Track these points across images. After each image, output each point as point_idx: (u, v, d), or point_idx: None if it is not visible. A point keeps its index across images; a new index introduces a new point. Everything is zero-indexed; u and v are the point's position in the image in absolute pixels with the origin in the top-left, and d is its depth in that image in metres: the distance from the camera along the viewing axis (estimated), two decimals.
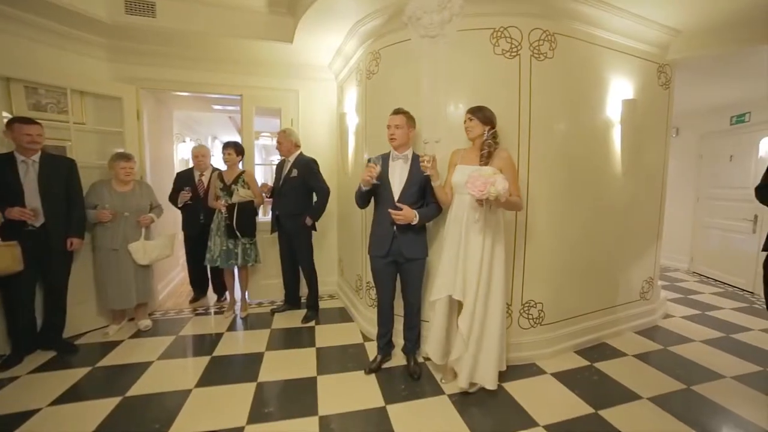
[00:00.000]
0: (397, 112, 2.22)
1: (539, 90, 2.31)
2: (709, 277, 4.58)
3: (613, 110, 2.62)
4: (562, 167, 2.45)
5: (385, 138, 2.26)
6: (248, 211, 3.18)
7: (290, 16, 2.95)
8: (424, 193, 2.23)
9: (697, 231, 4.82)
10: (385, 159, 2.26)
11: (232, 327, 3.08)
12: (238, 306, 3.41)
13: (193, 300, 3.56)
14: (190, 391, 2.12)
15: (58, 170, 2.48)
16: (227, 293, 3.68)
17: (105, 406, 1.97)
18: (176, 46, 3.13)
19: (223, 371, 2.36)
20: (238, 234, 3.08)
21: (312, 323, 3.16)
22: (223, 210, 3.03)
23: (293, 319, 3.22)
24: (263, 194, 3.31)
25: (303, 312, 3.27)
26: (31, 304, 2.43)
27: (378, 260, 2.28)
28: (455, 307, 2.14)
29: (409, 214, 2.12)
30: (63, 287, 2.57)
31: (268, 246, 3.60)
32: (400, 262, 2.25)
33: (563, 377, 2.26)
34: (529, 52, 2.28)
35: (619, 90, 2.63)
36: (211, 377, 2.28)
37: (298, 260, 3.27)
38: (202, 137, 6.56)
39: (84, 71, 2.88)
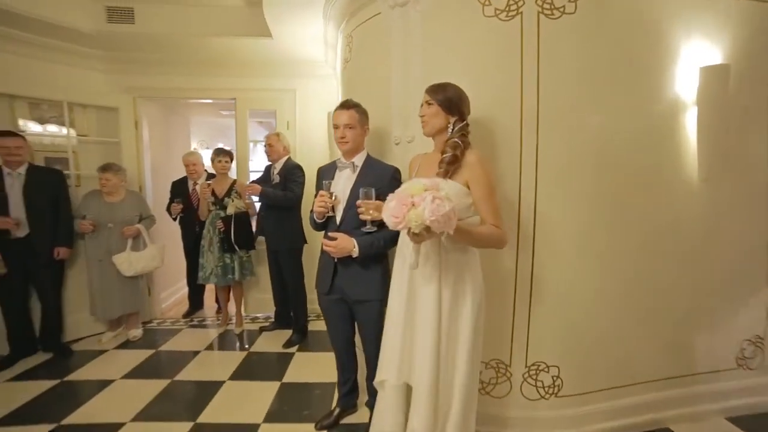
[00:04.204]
0: (348, 106, 1.68)
1: (553, 63, 1.60)
2: None
3: (683, 85, 1.73)
4: (590, 177, 1.68)
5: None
6: (245, 222, 3.01)
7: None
8: None
9: None
10: (332, 170, 1.78)
11: (212, 345, 2.92)
12: (232, 321, 3.25)
13: (187, 314, 3.47)
14: (122, 425, 1.93)
15: (44, 182, 2.55)
16: None
17: None
18: (164, 52, 3.06)
19: (170, 402, 2.16)
20: (237, 248, 2.92)
21: (294, 349, 2.83)
22: (221, 226, 2.88)
23: (278, 341, 2.93)
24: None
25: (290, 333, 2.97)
26: (22, 307, 2.55)
27: (323, 298, 1.81)
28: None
29: (345, 245, 1.57)
30: (52, 293, 2.64)
31: (265, 257, 3.38)
32: (349, 302, 1.75)
33: None
34: (536, 7, 1.58)
35: (696, 53, 1.72)
36: (154, 409, 2.08)
37: (284, 278, 2.99)
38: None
39: (82, 84, 2.97)
